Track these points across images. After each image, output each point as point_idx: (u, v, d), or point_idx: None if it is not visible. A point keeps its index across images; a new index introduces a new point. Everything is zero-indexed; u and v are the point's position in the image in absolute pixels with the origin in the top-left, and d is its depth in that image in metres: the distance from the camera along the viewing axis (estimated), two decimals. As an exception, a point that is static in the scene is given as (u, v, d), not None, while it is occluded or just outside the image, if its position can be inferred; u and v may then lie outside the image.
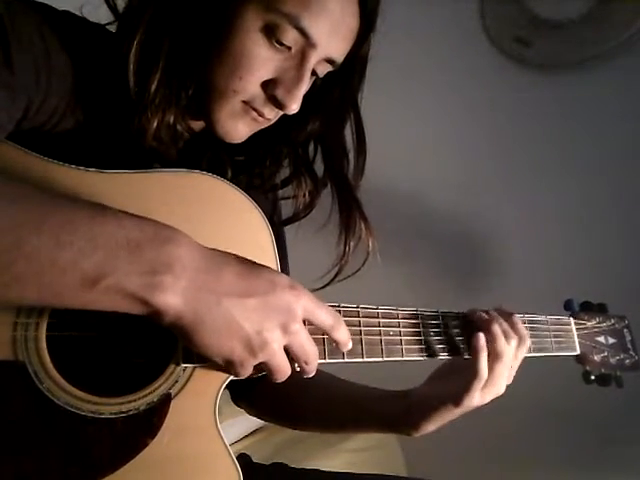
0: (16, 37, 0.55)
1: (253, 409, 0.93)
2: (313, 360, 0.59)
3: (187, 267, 0.50)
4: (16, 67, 0.55)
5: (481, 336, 0.72)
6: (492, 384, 0.73)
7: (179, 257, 0.50)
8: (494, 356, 0.72)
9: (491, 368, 0.72)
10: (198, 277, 0.50)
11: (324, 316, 0.58)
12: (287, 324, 0.54)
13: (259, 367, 0.56)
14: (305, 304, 0.55)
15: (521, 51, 1.46)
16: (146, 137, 0.65)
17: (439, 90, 1.58)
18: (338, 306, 0.66)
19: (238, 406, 0.94)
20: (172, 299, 0.49)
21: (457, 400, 0.71)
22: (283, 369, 0.57)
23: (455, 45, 1.54)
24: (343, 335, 0.60)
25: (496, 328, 0.73)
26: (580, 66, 1.39)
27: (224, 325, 0.52)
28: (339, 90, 0.74)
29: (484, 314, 0.76)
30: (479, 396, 0.72)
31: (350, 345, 0.61)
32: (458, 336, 0.76)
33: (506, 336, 0.74)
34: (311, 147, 0.79)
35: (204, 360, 0.59)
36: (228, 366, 0.55)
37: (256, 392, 0.89)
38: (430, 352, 0.73)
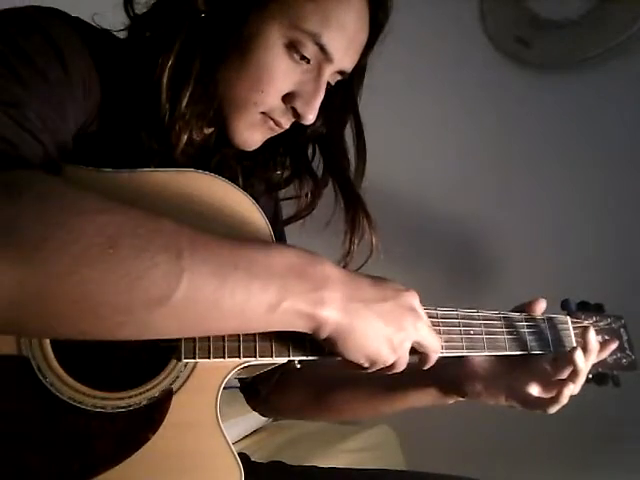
0: (67, 46, 0.58)
1: (270, 408, 0.96)
2: (439, 348, 0.66)
3: (337, 282, 0.56)
4: (71, 72, 0.58)
5: (580, 354, 0.76)
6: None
7: (329, 274, 0.56)
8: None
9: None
10: (346, 289, 0.57)
11: (425, 315, 0.65)
12: (416, 322, 0.62)
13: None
14: (418, 303, 0.63)
15: (521, 51, 1.46)
16: (175, 152, 0.67)
17: (439, 90, 1.58)
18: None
19: (253, 408, 0.96)
20: (332, 311, 0.55)
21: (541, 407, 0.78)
22: (405, 363, 0.63)
23: (455, 45, 1.55)
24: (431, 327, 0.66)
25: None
26: (580, 66, 1.39)
27: (372, 328, 0.58)
28: (341, 94, 0.77)
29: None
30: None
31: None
32: (457, 334, 0.76)
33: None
34: (310, 148, 0.82)
35: (206, 356, 0.59)
36: (371, 365, 0.61)
37: (278, 390, 0.92)
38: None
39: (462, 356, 0.81)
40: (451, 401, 0.85)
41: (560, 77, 1.43)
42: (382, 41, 0.75)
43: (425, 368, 0.67)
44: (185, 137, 0.67)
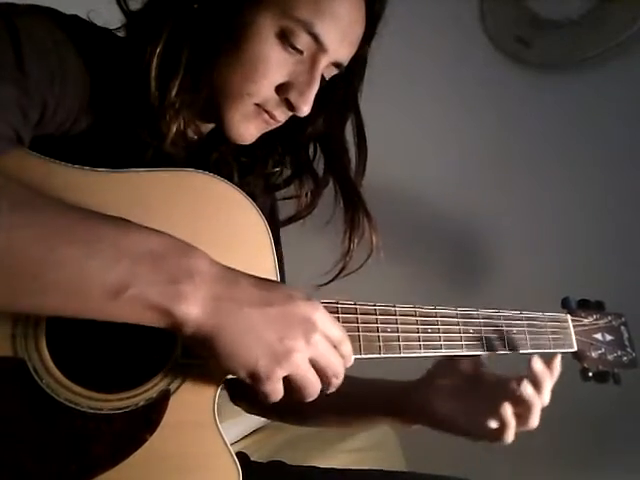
0: (29, 41, 0.56)
1: (254, 408, 0.94)
2: (340, 372, 0.58)
3: (206, 278, 0.51)
4: (29, 70, 0.55)
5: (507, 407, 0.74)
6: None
7: (198, 268, 0.51)
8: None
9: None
10: (217, 287, 0.51)
11: (335, 330, 0.57)
12: (308, 334, 0.54)
13: (286, 386, 0.55)
14: (321, 316, 0.55)
15: (521, 51, 1.46)
16: (165, 142, 0.66)
17: (439, 90, 1.58)
18: (336, 303, 0.66)
19: (237, 405, 0.94)
20: (193, 308, 0.50)
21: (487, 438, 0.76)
22: (311, 383, 0.56)
23: (455, 45, 1.55)
24: (348, 349, 0.59)
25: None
26: (580, 66, 1.39)
27: (246, 332, 0.52)
28: (341, 91, 0.76)
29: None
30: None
31: (352, 360, 0.60)
32: (456, 332, 0.76)
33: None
34: (311, 147, 0.80)
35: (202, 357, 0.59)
36: (254, 381, 0.53)
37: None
38: (428, 348, 0.74)
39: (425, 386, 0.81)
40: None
41: (560, 77, 1.42)
42: (383, 40, 0.75)
43: (326, 393, 0.58)
44: (175, 127, 0.66)
